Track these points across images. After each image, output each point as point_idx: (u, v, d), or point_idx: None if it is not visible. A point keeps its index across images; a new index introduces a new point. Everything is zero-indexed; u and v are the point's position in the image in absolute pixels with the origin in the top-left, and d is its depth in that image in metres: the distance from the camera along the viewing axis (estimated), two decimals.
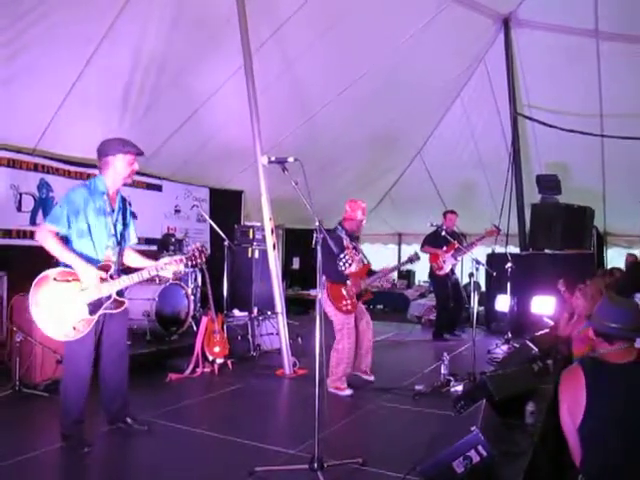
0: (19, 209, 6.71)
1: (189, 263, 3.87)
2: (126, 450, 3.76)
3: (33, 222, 6.83)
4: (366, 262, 5.46)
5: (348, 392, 5.09)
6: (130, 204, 3.95)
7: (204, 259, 3.90)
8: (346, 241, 5.19)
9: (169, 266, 3.78)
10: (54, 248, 3.49)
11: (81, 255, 3.55)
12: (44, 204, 6.97)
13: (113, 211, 3.71)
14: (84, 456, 3.51)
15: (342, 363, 5.09)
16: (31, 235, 6.79)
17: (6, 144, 6.53)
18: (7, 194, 6.59)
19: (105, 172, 3.68)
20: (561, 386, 2.50)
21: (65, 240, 3.58)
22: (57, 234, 3.54)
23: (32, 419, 4.28)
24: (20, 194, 6.71)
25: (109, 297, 3.60)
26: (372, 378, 5.43)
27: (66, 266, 3.53)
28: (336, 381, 5.11)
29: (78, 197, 3.56)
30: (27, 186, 6.77)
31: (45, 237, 3.51)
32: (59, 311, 3.46)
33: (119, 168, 3.65)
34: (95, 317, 3.56)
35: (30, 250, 6.63)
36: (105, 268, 3.60)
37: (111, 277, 3.61)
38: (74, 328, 3.49)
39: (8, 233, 6.59)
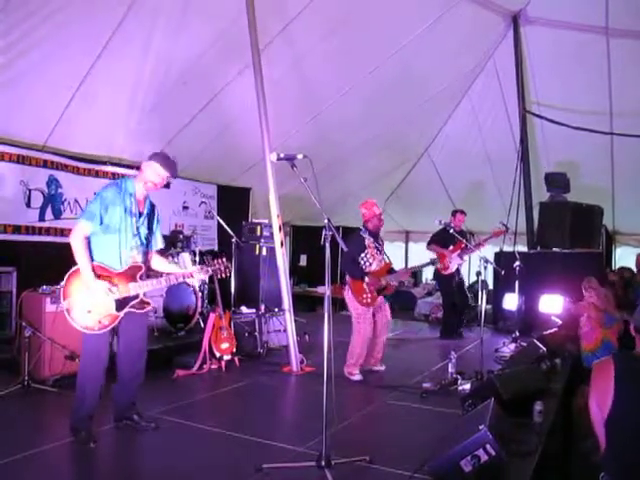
0: (28, 205, 6.75)
1: (213, 275, 4.08)
2: (133, 446, 3.78)
3: (42, 218, 6.87)
4: (387, 261, 5.85)
5: (358, 377, 5.53)
6: (157, 210, 4.03)
7: (226, 276, 4.12)
8: (368, 240, 5.66)
9: (197, 275, 3.96)
10: (77, 248, 3.56)
11: (104, 252, 3.64)
12: (53, 200, 7.00)
13: (141, 214, 3.80)
14: (92, 451, 3.53)
15: (356, 351, 5.56)
16: (40, 231, 6.84)
17: (16, 140, 6.56)
18: (17, 190, 6.63)
19: (139, 175, 3.81)
20: (592, 376, 2.48)
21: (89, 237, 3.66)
22: (87, 238, 3.62)
23: (41, 414, 4.31)
24: (29, 190, 6.75)
25: (136, 297, 3.70)
26: (383, 367, 5.88)
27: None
28: (350, 367, 5.57)
29: (109, 194, 3.67)
30: (36, 182, 6.81)
31: (76, 236, 3.58)
32: (88, 304, 3.56)
33: (147, 173, 3.77)
34: (121, 314, 3.65)
35: (39, 246, 6.71)
36: (136, 270, 3.71)
37: (140, 278, 3.71)
38: (99, 322, 3.58)
39: (17, 229, 6.63)
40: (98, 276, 3.58)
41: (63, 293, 3.58)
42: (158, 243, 4.04)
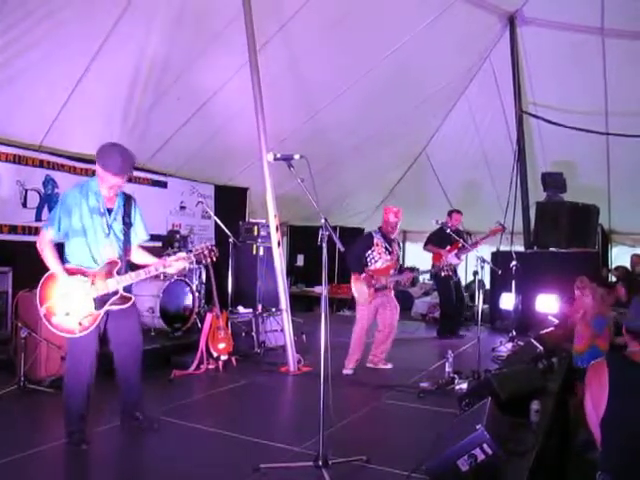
0: (24, 205, 6.74)
1: (195, 260, 3.91)
2: (130, 446, 3.77)
3: (38, 218, 6.85)
4: (392, 263, 5.94)
5: (347, 371, 5.73)
6: (135, 201, 3.90)
7: (213, 259, 3.98)
8: (377, 240, 5.86)
9: (175, 263, 3.84)
10: (44, 252, 3.56)
11: (77, 254, 3.60)
12: (49, 200, 6.99)
13: (110, 211, 3.69)
14: (87, 452, 3.51)
15: (353, 345, 5.78)
16: (36, 231, 6.80)
17: (12, 140, 6.55)
18: (13, 190, 6.62)
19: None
20: (587, 377, 2.51)
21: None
22: (53, 241, 3.60)
23: (37, 415, 4.29)
24: (26, 190, 6.74)
25: (115, 292, 3.63)
26: (389, 366, 5.96)
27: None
28: (346, 360, 5.74)
29: (69, 198, 3.60)
30: (33, 182, 6.80)
31: (41, 242, 3.59)
32: (65, 306, 3.50)
33: (100, 176, 3.61)
34: (101, 312, 3.59)
35: (35, 246, 6.66)
36: (112, 266, 3.64)
37: (118, 273, 3.64)
38: (80, 324, 3.51)
39: (14, 229, 6.62)
40: (74, 274, 3.53)
41: (39, 299, 3.50)
42: (139, 235, 3.89)
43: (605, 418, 2.32)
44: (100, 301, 3.58)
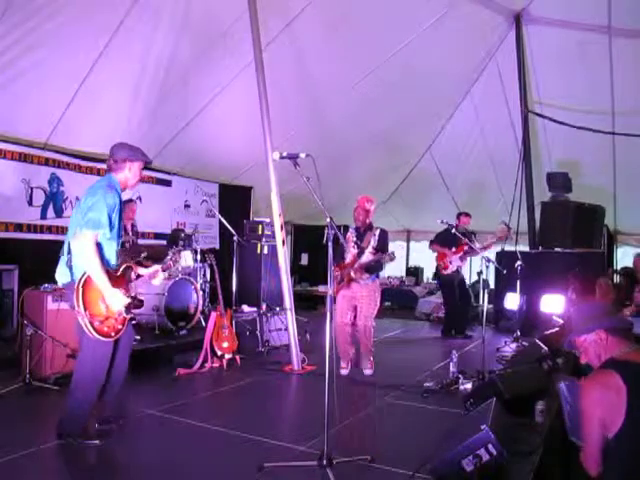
0: (30, 203, 6.76)
1: (167, 271, 4.04)
2: (134, 444, 3.77)
3: (44, 216, 6.88)
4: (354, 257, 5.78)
5: (341, 372, 5.59)
6: None
7: (177, 260, 4.14)
8: (349, 234, 5.74)
9: (154, 280, 3.92)
10: (93, 260, 3.33)
11: (105, 257, 3.51)
12: (55, 198, 7.01)
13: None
14: (93, 450, 3.52)
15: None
16: (42, 229, 6.85)
17: (17, 138, 6.57)
18: (18, 188, 6.64)
19: (118, 173, 3.60)
20: (592, 393, 2.26)
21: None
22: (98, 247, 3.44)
23: (42, 412, 4.30)
24: (31, 188, 6.76)
25: (135, 296, 3.66)
26: (366, 372, 5.69)
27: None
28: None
29: (110, 199, 3.45)
30: (38, 180, 6.82)
31: (87, 248, 3.34)
32: (104, 311, 3.46)
33: (133, 173, 3.63)
34: (129, 316, 3.59)
35: (40, 244, 6.71)
36: (130, 270, 3.68)
37: (132, 278, 3.68)
38: (114, 327, 3.51)
39: (19, 227, 6.64)
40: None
41: (83, 305, 3.35)
42: None
43: (625, 430, 2.15)
44: (129, 305, 3.58)
